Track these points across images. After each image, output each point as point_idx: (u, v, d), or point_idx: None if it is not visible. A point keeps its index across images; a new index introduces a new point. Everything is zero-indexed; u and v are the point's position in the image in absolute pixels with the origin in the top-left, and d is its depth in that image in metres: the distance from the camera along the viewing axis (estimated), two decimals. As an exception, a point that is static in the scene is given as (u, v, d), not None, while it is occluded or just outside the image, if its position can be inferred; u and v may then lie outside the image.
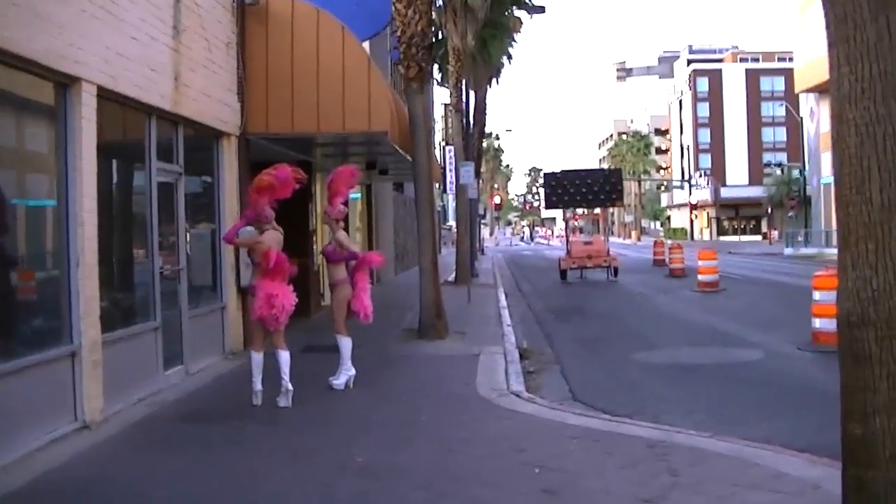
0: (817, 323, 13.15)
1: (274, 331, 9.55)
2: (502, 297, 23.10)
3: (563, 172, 34.04)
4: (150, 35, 10.32)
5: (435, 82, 37.00)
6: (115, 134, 10.46)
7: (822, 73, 48.99)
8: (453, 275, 28.84)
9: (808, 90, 52.03)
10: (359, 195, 28.16)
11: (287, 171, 9.62)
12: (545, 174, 34.85)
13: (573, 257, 30.92)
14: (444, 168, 39.74)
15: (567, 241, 34.19)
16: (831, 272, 13.04)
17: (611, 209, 67.71)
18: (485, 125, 39.43)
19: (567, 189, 32.73)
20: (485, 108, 37.28)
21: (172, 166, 11.47)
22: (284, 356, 9.51)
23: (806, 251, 48.22)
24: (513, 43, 33.92)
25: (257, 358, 9.57)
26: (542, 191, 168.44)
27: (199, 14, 12.01)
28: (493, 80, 35.91)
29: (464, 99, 30.49)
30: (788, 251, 49.71)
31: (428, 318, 14.85)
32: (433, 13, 26.90)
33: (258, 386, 9.55)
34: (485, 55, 28.82)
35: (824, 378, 11.06)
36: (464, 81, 30.03)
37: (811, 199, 55.83)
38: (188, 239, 12.89)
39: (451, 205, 49.48)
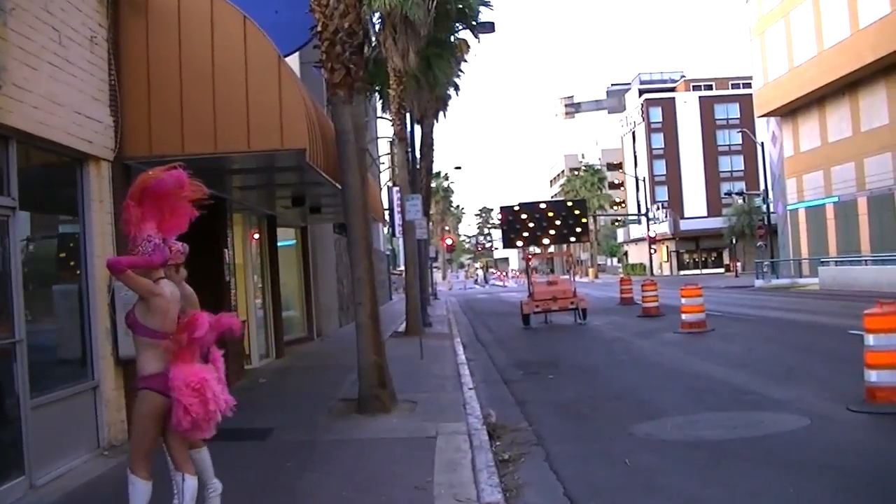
0: (873, 376, 10.06)
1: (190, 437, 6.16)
2: (460, 350, 19.96)
3: (522, 205, 30.90)
4: (-56, 7, 7.16)
5: (376, 108, 34.29)
6: None
7: (784, 95, 46.76)
8: (403, 324, 25.71)
9: (769, 113, 49.73)
10: (294, 241, 24.92)
11: (182, 175, 6.19)
12: (502, 208, 31.70)
13: (536, 300, 27.77)
14: (392, 209, 36.97)
15: (528, 282, 31.05)
16: (887, 309, 10.09)
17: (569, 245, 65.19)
18: (433, 161, 36.61)
19: (526, 224, 29.76)
20: (432, 143, 34.63)
21: (-1, 198, 8.26)
22: (192, 484, 6.10)
23: (778, 282, 45.74)
24: (459, 72, 31.44)
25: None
26: (493, 232, 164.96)
27: (40, -8, 8.85)
28: (441, 113, 33.39)
29: (408, 127, 27.54)
30: (759, 283, 47.19)
31: (369, 386, 11.64)
32: (372, 33, 24.25)
33: None
34: (430, 77, 25.91)
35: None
36: (408, 111, 27.16)
37: (777, 227, 53.49)
38: (52, 298, 9.71)
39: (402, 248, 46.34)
